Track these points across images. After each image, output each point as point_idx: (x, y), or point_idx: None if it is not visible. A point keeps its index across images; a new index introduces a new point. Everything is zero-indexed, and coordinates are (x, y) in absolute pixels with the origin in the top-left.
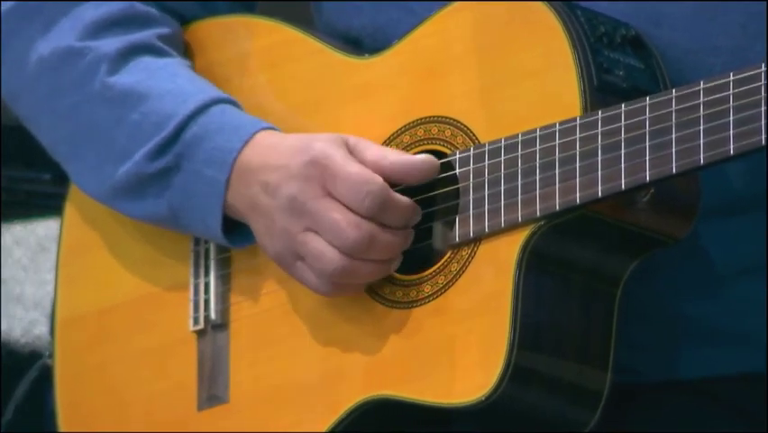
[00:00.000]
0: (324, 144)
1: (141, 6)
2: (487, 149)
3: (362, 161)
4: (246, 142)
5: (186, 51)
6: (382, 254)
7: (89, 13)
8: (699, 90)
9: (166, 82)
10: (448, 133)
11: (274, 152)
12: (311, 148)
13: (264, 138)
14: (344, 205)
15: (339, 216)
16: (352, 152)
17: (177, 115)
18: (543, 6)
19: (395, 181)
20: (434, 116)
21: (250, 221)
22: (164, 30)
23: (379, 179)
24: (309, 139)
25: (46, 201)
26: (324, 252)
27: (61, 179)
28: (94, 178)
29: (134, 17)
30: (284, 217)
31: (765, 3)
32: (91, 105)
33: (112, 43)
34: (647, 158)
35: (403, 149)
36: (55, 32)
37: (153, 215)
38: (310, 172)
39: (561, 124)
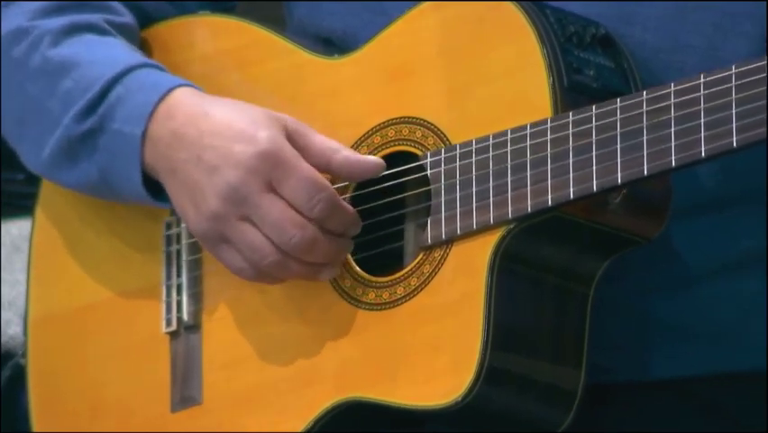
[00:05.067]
0: (270, 133)
1: None
2: (458, 151)
3: (305, 147)
4: (163, 97)
5: (153, 52)
6: (318, 258)
7: None
8: (670, 92)
9: (101, 51)
10: (419, 134)
11: (208, 121)
12: (258, 138)
13: (185, 96)
14: (290, 203)
15: (285, 215)
16: (291, 137)
17: (103, 77)
18: (512, 7)
19: (341, 178)
20: (404, 117)
21: (168, 184)
22: (116, 18)
23: (330, 186)
24: (253, 124)
25: (20, 201)
26: (262, 245)
27: (35, 179)
28: (34, 152)
29: (87, 3)
30: (218, 202)
31: (737, 2)
32: (32, 80)
33: (56, 21)
34: (618, 160)
35: (374, 150)
36: (9, 16)
37: (87, 181)
38: (258, 166)
39: (532, 126)
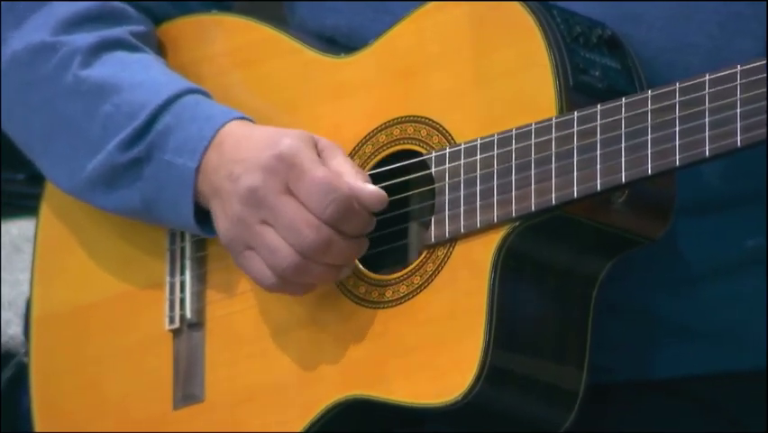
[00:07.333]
0: (293, 141)
1: (114, 3)
2: (462, 148)
3: (326, 164)
4: (218, 131)
5: (160, 51)
6: (335, 260)
7: (62, 9)
8: (675, 91)
9: (139, 74)
10: (424, 132)
11: (244, 142)
12: (280, 143)
13: (236, 128)
14: (305, 205)
15: (299, 216)
16: (319, 154)
17: (149, 105)
18: (518, 6)
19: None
20: (409, 116)
21: (211, 205)
22: (138, 27)
23: (345, 188)
24: (279, 134)
25: (20, 201)
26: (280, 247)
27: (35, 180)
28: (67, 171)
29: (107, 14)
30: (241, 206)
31: (742, 2)
32: (64, 98)
33: (85, 38)
34: (623, 159)
35: (378, 148)
36: (27, 27)
37: (126, 207)
38: (276, 166)
39: (536, 124)
